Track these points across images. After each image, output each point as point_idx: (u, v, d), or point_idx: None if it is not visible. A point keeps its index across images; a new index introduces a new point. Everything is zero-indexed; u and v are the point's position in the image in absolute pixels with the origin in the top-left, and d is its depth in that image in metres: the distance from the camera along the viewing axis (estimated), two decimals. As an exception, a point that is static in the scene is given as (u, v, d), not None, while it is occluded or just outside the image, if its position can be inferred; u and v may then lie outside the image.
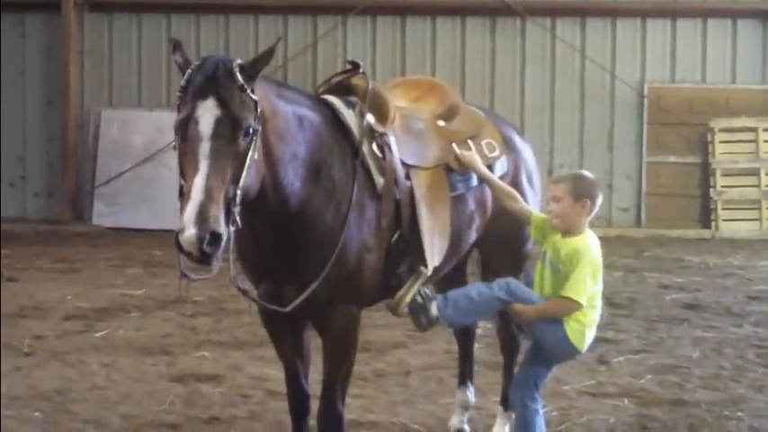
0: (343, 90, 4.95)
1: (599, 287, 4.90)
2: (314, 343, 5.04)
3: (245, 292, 4.46)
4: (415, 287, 4.81)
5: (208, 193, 3.80)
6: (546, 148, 16.75)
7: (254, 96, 4.02)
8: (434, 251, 4.89)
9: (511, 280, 4.95)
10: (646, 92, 17.38)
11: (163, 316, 9.46)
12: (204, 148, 3.88)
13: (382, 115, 4.90)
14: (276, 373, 6.84)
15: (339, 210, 4.54)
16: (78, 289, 10.83)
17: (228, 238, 3.90)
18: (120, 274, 11.94)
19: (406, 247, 4.81)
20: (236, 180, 3.92)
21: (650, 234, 16.62)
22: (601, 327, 8.73)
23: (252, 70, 4.05)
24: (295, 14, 17.71)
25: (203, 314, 9.41)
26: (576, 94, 17.53)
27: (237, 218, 3.93)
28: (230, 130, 3.91)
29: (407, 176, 4.88)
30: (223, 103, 3.93)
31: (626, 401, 6.77)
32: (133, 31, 17.92)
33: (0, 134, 17.77)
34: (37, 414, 6.37)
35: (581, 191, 4.84)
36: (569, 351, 4.90)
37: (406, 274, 4.84)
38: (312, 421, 4.96)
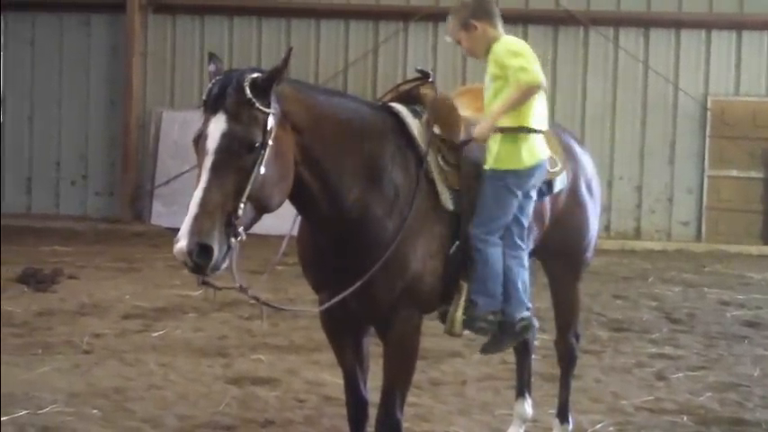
0: (411, 99, 4.95)
1: None
2: (374, 351, 5.03)
3: (257, 299, 4.45)
4: (462, 302, 4.80)
5: (203, 206, 3.88)
6: (606, 159, 16.59)
7: (266, 110, 4.04)
8: None
9: None
10: (709, 104, 17.17)
11: (219, 317, 9.51)
12: (207, 162, 3.97)
13: (450, 127, 4.87)
14: (332, 379, 6.86)
15: (401, 217, 4.54)
16: (137, 288, 10.95)
17: (229, 249, 3.93)
18: (177, 274, 11.97)
19: (463, 256, 4.79)
20: (238, 194, 3.95)
21: (710, 249, 16.38)
22: (660, 342, 8.82)
23: (264, 84, 4.07)
24: (357, 19, 17.75)
25: (259, 317, 9.42)
26: (637, 105, 17.37)
27: (241, 230, 3.95)
28: (233, 144, 3.96)
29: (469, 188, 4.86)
30: (228, 117, 3.99)
31: (685, 419, 6.67)
32: (196, 33, 18.07)
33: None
34: (95, 411, 6.44)
35: (464, 19, 4.96)
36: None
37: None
38: (369, 429, 4.95)
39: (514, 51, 4.86)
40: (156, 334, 8.74)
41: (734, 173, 17.08)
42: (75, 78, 18.19)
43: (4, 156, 18.18)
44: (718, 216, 17.03)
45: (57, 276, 11.19)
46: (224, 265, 3.94)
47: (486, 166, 4.85)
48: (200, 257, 3.84)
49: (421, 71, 5.03)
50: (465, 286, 4.82)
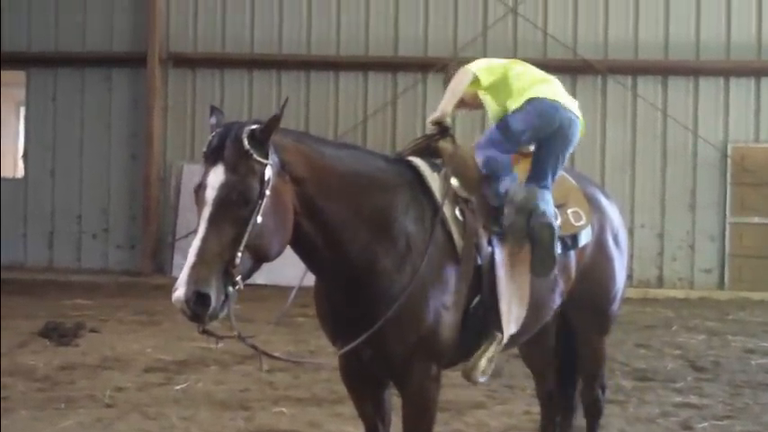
0: (430, 153, 4.97)
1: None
2: (396, 402, 5.00)
3: (255, 348, 4.43)
4: (489, 353, 4.78)
5: (201, 255, 3.94)
6: (627, 208, 16.53)
7: (263, 161, 4.09)
8: (511, 318, 4.87)
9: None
10: (729, 151, 17.13)
11: (241, 370, 9.48)
12: (205, 212, 4.03)
13: (467, 181, 4.90)
14: (355, 432, 6.82)
15: (413, 269, 4.53)
16: (158, 341, 10.93)
17: (227, 298, 3.97)
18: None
19: (485, 311, 4.78)
20: (235, 243, 3.99)
21: (733, 296, 16.26)
22: (684, 391, 8.74)
23: (261, 136, 4.12)
24: (375, 71, 17.85)
25: (281, 369, 9.40)
26: (657, 153, 17.35)
27: (239, 279, 3.99)
28: (231, 195, 4.02)
29: (490, 242, 4.86)
30: (226, 169, 4.05)
31: (712, 469, 6.60)
32: (215, 87, 18.19)
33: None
34: (117, 466, 6.42)
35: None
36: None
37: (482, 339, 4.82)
38: (392, 482, 4.91)
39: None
40: (177, 387, 8.72)
41: (756, 219, 17.00)
42: (96, 132, 18.32)
43: (27, 210, 18.32)
44: (741, 263, 16.93)
45: (79, 330, 11.20)
46: (222, 314, 3.98)
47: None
48: (197, 306, 3.89)
49: (440, 125, 5.06)
50: (498, 337, 4.80)
